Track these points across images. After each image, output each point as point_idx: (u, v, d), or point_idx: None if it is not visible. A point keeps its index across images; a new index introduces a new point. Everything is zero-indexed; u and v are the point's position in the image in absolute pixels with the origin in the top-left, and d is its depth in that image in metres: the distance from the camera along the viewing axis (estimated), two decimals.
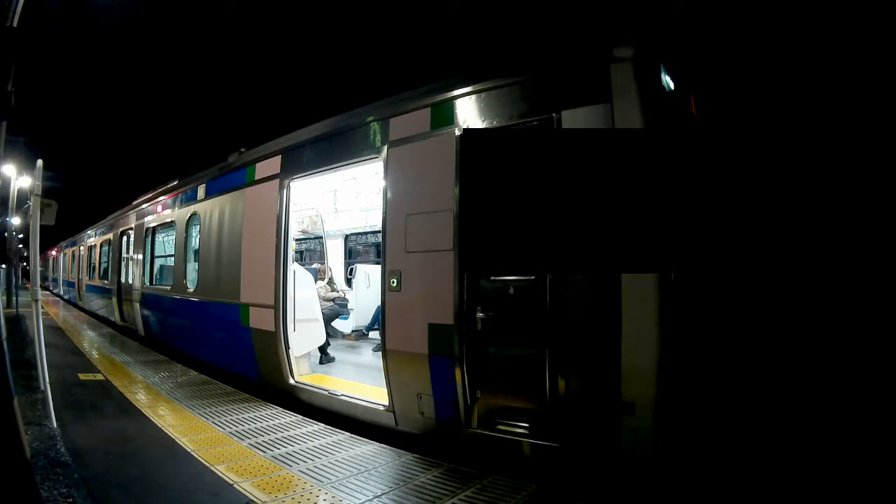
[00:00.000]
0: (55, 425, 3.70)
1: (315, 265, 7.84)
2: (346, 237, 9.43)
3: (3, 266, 17.29)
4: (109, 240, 12.19)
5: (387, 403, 3.90)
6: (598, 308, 2.87)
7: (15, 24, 2.57)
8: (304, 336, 5.24)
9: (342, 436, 3.81)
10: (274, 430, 3.91)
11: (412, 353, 3.66)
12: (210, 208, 6.61)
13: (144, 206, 9.52)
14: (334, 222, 8.85)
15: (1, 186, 11.65)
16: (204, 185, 6.97)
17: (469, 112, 3.54)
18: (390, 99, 4.24)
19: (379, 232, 5.09)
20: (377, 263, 6.94)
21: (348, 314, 7.77)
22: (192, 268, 7.29)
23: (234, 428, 3.94)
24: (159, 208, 8.70)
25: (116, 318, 10.94)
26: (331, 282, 7.34)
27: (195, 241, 7.30)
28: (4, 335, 1.89)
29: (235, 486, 2.83)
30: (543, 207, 2.36)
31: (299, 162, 5.01)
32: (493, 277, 3.31)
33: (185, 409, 4.48)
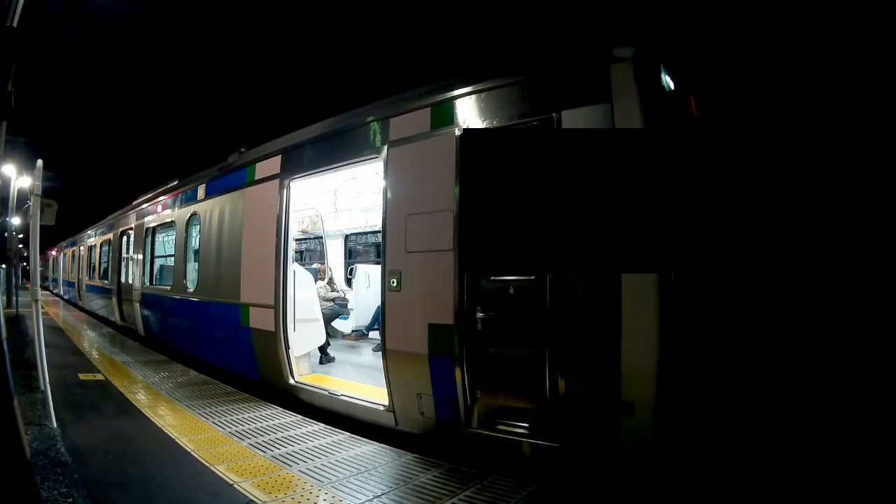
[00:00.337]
0: (55, 425, 3.70)
1: (315, 265, 7.84)
2: (346, 237, 9.43)
3: (3, 266, 17.29)
4: (109, 240, 12.19)
5: (387, 403, 3.90)
6: (598, 308, 2.87)
7: (15, 24, 2.57)
8: (304, 336, 5.24)
9: (342, 436, 3.81)
10: (274, 430, 3.91)
11: (412, 353, 3.66)
12: (210, 208, 6.61)
13: (144, 206, 9.52)
14: (334, 222, 8.85)
15: (1, 186, 11.65)
16: (204, 185, 6.97)
17: (469, 112, 3.54)
18: (390, 99, 4.24)
19: (379, 232, 5.09)
20: (377, 263, 6.94)
21: (348, 314, 7.76)
22: (192, 268, 7.29)
23: (234, 428, 3.94)
24: (159, 208, 8.70)
25: (116, 318, 10.94)
26: (331, 282, 7.34)
27: (195, 241, 7.30)
28: (4, 335, 1.90)
29: (235, 486, 2.83)
30: (543, 207, 2.36)
31: (299, 162, 5.01)
32: (493, 277, 3.31)
33: (185, 409, 4.48)
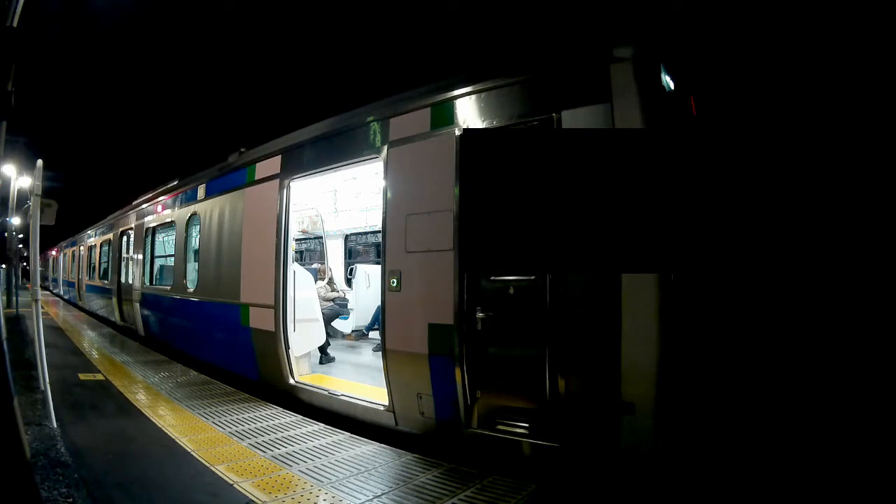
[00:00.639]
0: (55, 425, 3.70)
1: (315, 265, 7.84)
2: (346, 237, 9.43)
3: (3, 266, 17.29)
4: (109, 240, 12.19)
5: (387, 403, 3.90)
6: (598, 308, 2.87)
7: (15, 24, 2.56)
8: (304, 336, 5.24)
9: (342, 436, 3.81)
10: (274, 430, 3.91)
11: (412, 353, 3.66)
12: (210, 208, 6.61)
13: (144, 206, 9.52)
14: (334, 222, 8.85)
15: (1, 186, 11.65)
16: (204, 185, 6.97)
17: (469, 112, 3.54)
18: (390, 99, 4.24)
19: (379, 232, 5.09)
20: (377, 263, 6.94)
21: (348, 314, 7.76)
22: (192, 268, 7.29)
23: (234, 428, 3.94)
24: (159, 208, 8.70)
25: (116, 318, 10.94)
26: (331, 282, 7.34)
27: (195, 241, 7.30)
28: (4, 335, 1.90)
29: (235, 486, 2.83)
30: (543, 207, 2.36)
31: (299, 162, 5.01)
32: (493, 277, 3.31)
33: (185, 409, 4.48)
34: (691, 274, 2.76)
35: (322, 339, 5.83)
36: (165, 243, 9.00)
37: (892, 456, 2.55)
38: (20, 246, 21.06)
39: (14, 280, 15.51)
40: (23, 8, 2.58)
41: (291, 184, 5.08)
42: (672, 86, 2.95)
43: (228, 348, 6.00)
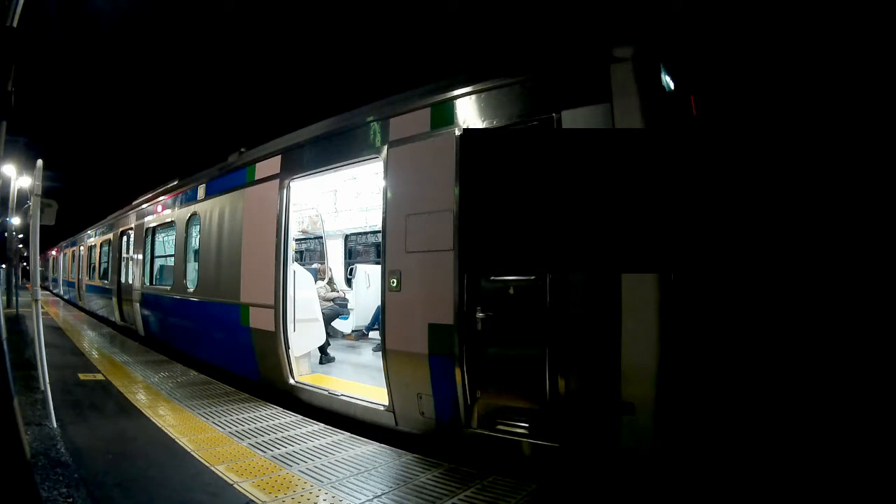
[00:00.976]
0: (55, 425, 3.70)
1: (315, 265, 7.84)
2: (346, 237, 9.43)
3: (3, 266, 17.29)
4: (109, 240, 12.19)
5: (387, 403, 3.89)
6: (598, 308, 2.87)
7: (15, 24, 2.56)
8: (304, 336, 5.24)
9: (342, 436, 3.81)
10: (274, 430, 3.91)
11: (412, 353, 3.66)
12: (210, 208, 6.61)
13: (144, 206, 9.52)
14: (334, 222, 8.85)
15: (1, 186, 11.65)
16: (204, 185, 6.97)
17: (469, 112, 3.54)
18: (390, 99, 4.24)
19: (379, 232, 5.09)
20: (377, 263, 6.94)
21: (348, 314, 7.76)
22: (192, 268, 7.29)
23: (234, 428, 3.94)
24: (159, 208, 8.70)
25: (116, 318, 10.94)
26: (331, 282, 7.34)
27: (195, 241, 7.29)
28: (4, 335, 1.90)
29: (235, 485, 2.83)
30: (543, 207, 2.36)
31: (299, 162, 5.01)
32: (493, 277, 3.31)
33: (185, 409, 4.48)
34: (691, 274, 2.76)
35: (322, 339, 5.83)
36: (165, 243, 9.00)
37: (892, 456, 2.55)
38: (20, 246, 21.06)
39: (14, 280, 15.51)
40: (23, 8, 2.58)
41: (291, 184, 5.08)
42: (672, 86, 2.95)
43: (228, 348, 6.00)
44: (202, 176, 7.18)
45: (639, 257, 2.31)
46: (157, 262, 9.04)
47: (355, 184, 7.40)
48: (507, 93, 3.36)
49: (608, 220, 2.30)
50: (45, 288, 25.83)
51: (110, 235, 12.08)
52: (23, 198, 10.95)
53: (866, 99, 3.36)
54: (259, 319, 5.25)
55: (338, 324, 7.72)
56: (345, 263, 9.25)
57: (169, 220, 8.16)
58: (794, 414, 2.80)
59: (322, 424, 4.09)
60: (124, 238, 10.78)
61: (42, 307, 4.26)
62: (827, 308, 2.99)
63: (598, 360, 2.85)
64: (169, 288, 7.87)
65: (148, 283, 8.99)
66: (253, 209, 5.63)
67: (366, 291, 7.83)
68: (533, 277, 3.14)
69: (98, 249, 13.68)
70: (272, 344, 5.01)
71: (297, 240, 9.24)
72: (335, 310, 7.09)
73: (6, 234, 16.48)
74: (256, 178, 5.62)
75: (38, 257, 4.31)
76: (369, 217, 8.42)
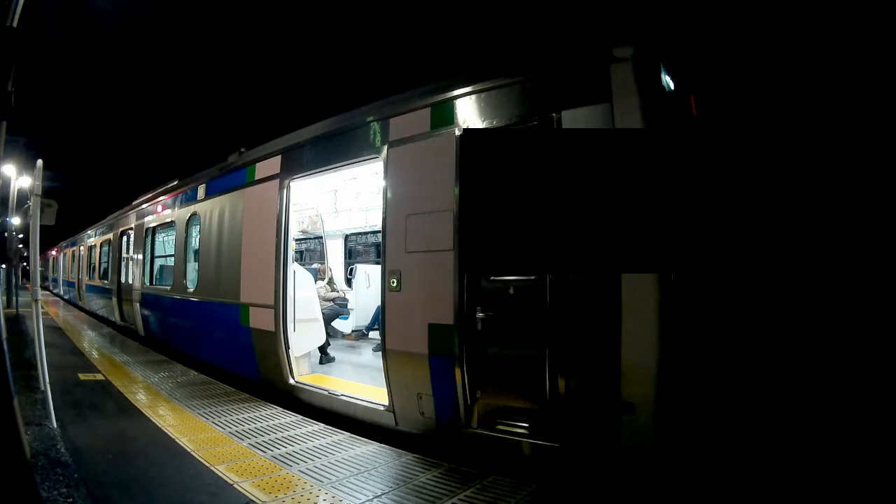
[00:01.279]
0: (55, 425, 3.70)
1: (315, 265, 7.84)
2: (346, 237, 9.43)
3: (3, 266, 17.29)
4: (109, 240, 12.19)
5: (387, 403, 3.89)
6: (598, 308, 2.87)
7: (15, 24, 2.56)
8: (304, 336, 5.24)
9: (342, 436, 3.81)
10: (274, 430, 3.91)
11: (412, 353, 3.66)
12: (210, 208, 6.61)
13: (144, 206, 9.52)
14: (334, 222, 8.85)
15: (1, 186, 11.65)
16: (204, 185, 6.97)
17: (469, 112, 3.54)
18: (390, 99, 4.24)
19: (379, 232, 5.09)
20: (377, 263, 6.94)
21: (348, 314, 7.76)
22: (191, 268, 7.29)
23: (234, 428, 3.94)
24: (159, 208, 8.70)
25: (116, 318, 10.94)
26: (331, 282, 7.34)
27: (195, 241, 7.29)
28: (4, 335, 1.90)
29: (235, 485, 2.83)
30: (543, 207, 2.36)
31: (299, 162, 5.01)
32: (493, 277, 3.31)
33: (185, 409, 4.48)
34: (691, 274, 2.76)
35: (322, 339, 5.83)
36: (165, 243, 9.00)
37: (892, 456, 2.55)
38: (20, 246, 21.05)
39: (14, 280, 15.51)
40: (23, 8, 2.58)
41: (291, 184, 5.08)
42: (672, 86, 2.95)
43: (228, 348, 6.00)
44: (202, 176, 7.18)
45: (639, 257, 2.31)
46: (157, 262, 9.04)
47: (355, 184, 7.40)
48: (507, 93, 3.36)
49: (608, 221, 2.30)
50: (45, 288, 25.82)
51: (110, 235, 12.08)
52: (23, 198, 10.95)
53: (866, 99, 3.36)
54: (259, 319, 5.25)
55: (338, 324, 7.72)
56: (345, 263, 9.25)
57: (169, 220, 8.16)
58: (793, 414, 2.80)
59: (322, 424, 4.09)
60: (124, 238, 10.78)
61: (42, 307, 4.26)
62: (827, 308, 2.99)
63: (598, 360, 2.85)
64: (169, 288, 7.87)
65: (148, 283, 8.99)
66: (253, 209, 5.63)
67: (366, 291, 7.83)
68: (533, 277, 3.14)
69: (98, 249, 13.68)
70: (272, 344, 5.01)
71: (297, 240, 9.24)
72: (335, 310, 7.09)
73: (6, 234, 16.48)
74: (256, 178, 5.62)
75: (38, 257, 4.31)
76: (369, 217, 8.42)
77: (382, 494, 2.77)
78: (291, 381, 4.94)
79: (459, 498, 2.72)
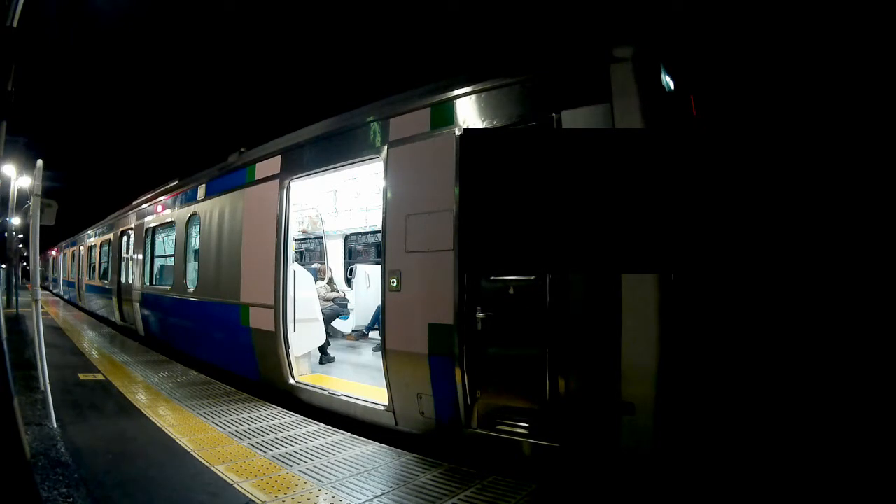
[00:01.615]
0: (55, 425, 3.70)
1: (315, 265, 7.84)
2: (346, 237, 9.43)
3: (3, 266, 17.29)
4: (109, 240, 12.20)
5: (387, 403, 3.89)
6: (598, 308, 2.87)
7: (15, 24, 2.56)
8: (304, 336, 5.24)
9: (342, 436, 3.81)
10: (274, 430, 3.91)
11: (412, 353, 3.66)
12: (210, 208, 6.61)
13: (144, 206, 9.52)
14: (334, 222, 8.85)
15: (1, 186, 11.65)
16: (204, 185, 6.97)
17: (469, 112, 3.54)
18: (390, 99, 4.24)
19: (379, 232, 5.09)
20: (377, 263, 6.94)
21: (348, 314, 7.76)
22: (191, 268, 7.29)
23: (234, 428, 3.94)
24: (159, 208, 8.70)
25: (116, 318, 10.95)
26: (331, 282, 7.34)
27: (195, 241, 7.29)
28: (4, 335, 1.90)
29: (235, 485, 2.83)
30: (543, 207, 2.36)
31: (299, 162, 5.01)
32: (493, 277, 3.31)
33: (185, 409, 4.48)
34: (691, 274, 2.76)
35: (322, 339, 5.83)
36: (165, 243, 9.00)
37: (892, 456, 2.55)
38: (20, 246, 21.05)
39: (14, 280, 15.51)
40: (23, 8, 2.58)
41: (291, 184, 5.08)
42: (672, 86, 2.95)
43: (228, 348, 6.00)
44: (202, 176, 7.18)
45: (639, 257, 2.31)
46: (157, 262, 9.04)
47: (355, 184, 7.40)
48: (507, 93, 3.36)
49: (608, 221, 2.30)
50: (45, 288, 25.82)
51: (110, 235, 12.08)
52: (23, 198, 10.95)
53: (866, 98, 3.36)
54: (259, 319, 5.25)
55: (338, 324, 7.72)
56: (345, 263, 9.25)
57: (169, 220, 8.16)
58: (793, 414, 2.80)
59: (322, 424, 4.09)
60: (124, 238, 10.78)
61: (42, 307, 4.26)
62: (827, 308, 2.99)
63: (598, 360, 2.85)
64: (169, 288, 7.87)
65: (148, 283, 8.99)
66: (253, 209, 5.64)
67: (366, 291, 7.83)
68: (533, 277, 3.14)
69: (98, 249, 13.68)
70: (272, 344, 5.01)
71: (297, 240, 9.24)
72: (335, 310, 7.09)
73: (6, 234, 16.48)
74: (256, 178, 5.62)
75: (38, 257, 4.31)
76: (369, 217, 8.42)
77: (382, 494, 2.77)
78: (291, 381, 4.94)
79: (459, 498, 2.72)
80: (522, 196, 2.38)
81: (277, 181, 5.19)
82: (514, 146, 2.51)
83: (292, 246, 5.35)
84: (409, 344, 3.69)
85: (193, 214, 7.19)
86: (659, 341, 2.68)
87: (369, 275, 7.89)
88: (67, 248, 20.23)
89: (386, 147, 4.02)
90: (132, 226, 10.10)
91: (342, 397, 4.39)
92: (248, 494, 2.72)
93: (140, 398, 4.80)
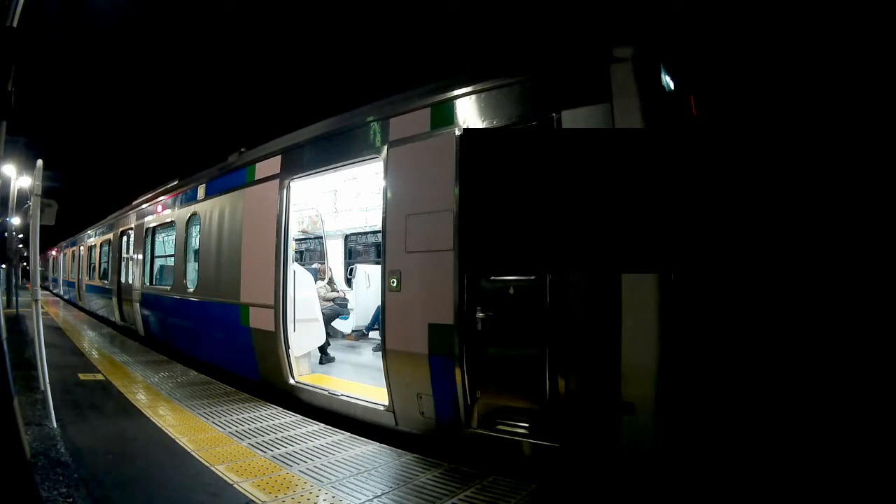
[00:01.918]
0: (55, 425, 3.70)
1: (315, 265, 7.84)
2: (346, 237, 9.43)
3: (3, 266, 17.29)
4: (109, 240, 12.20)
5: (387, 403, 3.89)
6: (598, 308, 2.87)
7: (15, 24, 2.56)
8: (304, 336, 5.24)
9: (342, 436, 3.81)
10: (274, 430, 3.91)
11: (412, 353, 3.66)
12: (210, 208, 6.61)
13: (144, 206, 9.52)
14: (334, 222, 8.85)
15: (1, 186, 11.65)
16: (204, 185, 6.97)
17: (469, 112, 3.54)
18: (390, 99, 4.24)
19: (379, 232, 5.09)
20: (377, 263, 6.94)
21: (348, 314, 7.76)
22: (191, 268, 7.29)
23: (235, 428, 3.94)
24: (159, 208, 8.70)
25: (116, 318, 10.95)
26: (331, 282, 7.34)
27: (195, 241, 7.30)
28: (4, 335, 1.90)
29: (235, 485, 2.83)
30: (544, 207, 2.36)
31: (299, 162, 5.01)
32: (493, 277, 3.31)
33: (185, 409, 4.48)
34: (691, 274, 2.76)
35: (322, 339, 5.83)
36: (165, 243, 9.00)
37: (892, 456, 2.55)
38: (20, 246, 21.05)
39: (14, 280, 15.51)
40: (23, 8, 2.58)
41: (291, 184, 5.08)
42: (672, 86, 2.95)
43: (228, 348, 6.00)
44: (202, 176, 7.18)
45: (639, 257, 2.31)
46: (157, 262, 9.04)
47: (355, 184, 7.40)
48: (507, 93, 3.36)
49: (608, 221, 2.30)
50: (45, 288, 25.82)
51: (110, 235, 12.08)
52: (23, 198, 10.95)
53: (866, 98, 3.36)
54: (259, 319, 5.25)
55: (338, 324, 7.72)
56: (345, 263, 9.25)
57: (169, 220, 8.16)
58: (793, 414, 2.80)
59: (322, 424, 4.09)
60: (124, 238, 10.78)
61: (42, 307, 4.26)
62: (827, 308, 2.99)
63: (598, 360, 2.85)
64: (169, 288, 7.87)
65: (148, 283, 8.99)
66: (253, 209, 5.64)
67: (366, 291, 7.83)
68: (533, 277, 3.14)
69: (98, 249, 13.69)
70: (272, 344, 5.01)
71: (297, 240, 9.24)
72: (335, 310, 7.09)
73: (6, 234, 16.48)
74: (256, 178, 5.62)
75: (38, 257, 4.32)
76: (369, 217, 8.42)
77: (382, 494, 2.77)
78: (291, 381, 4.94)
79: (459, 498, 2.72)
80: (522, 196, 2.38)
81: (277, 181, 5.19)
82: (514, 146, 2.51)
83: (292, 246, 5.35)
84: (409, 344, 3.69)
85: (193, 214, 7.19)
86: (659, 341, 2.68)
87: (369, 275, 7.89)
88: (67, 248, 20.24)
89: (386, 147, 4.02)
90: (132, 226, 10.10)
91: (342, 397, 4.39)
92: (248, 494, 2.72)
93: (140, 398, 4.80)
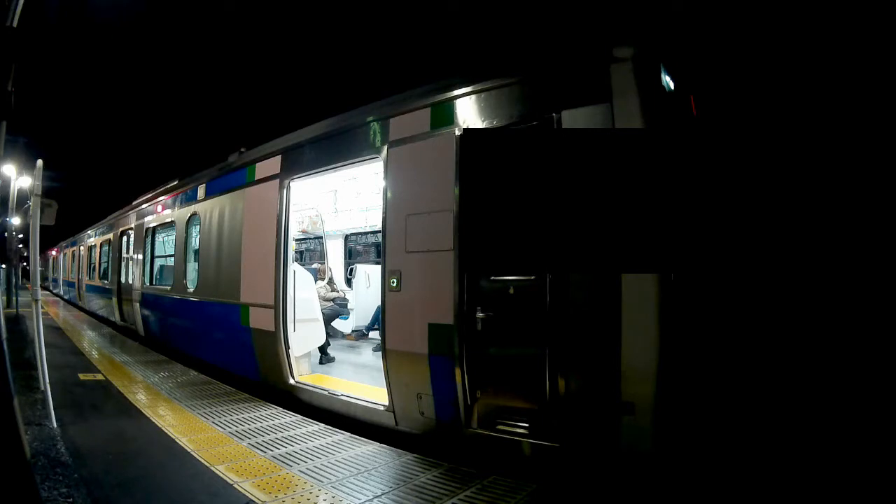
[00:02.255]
0: (55, 425, 3.70)
1: (315, 265, 7.84)
2: (346, 237, 9.43)
3: (3, 266, 17.29)
4: (109, 240, 12.20)
5: (387, 403, 3.90)
6: (598, 308, 2.87)
7: (15, 24, 2.56)
8: (304, 336, 5.24)
9: (342, 436, 3.81)
10: (274, 430, 3.91)
11: (412, 353, 3.66)
12: (210, 208, 6.61)
13: (144, 206, 9.52)
14: (334, 222, 8.85)
15: (1, 186, 11.65)
16: (204, 185, 6.97)
17: (469, 112, 3.54)
18: (390, 99, 4.24)
19: (379, 232, 5.09)
20: (377, 263, 6.94)
21: (348, 314, 7.77)
22: (191, 268, 7.29)
23: (234, 428, 3.94)
24: (159, 208, 8.70)
25: (116, 318, 10.95)
26: (331, 282, 7.34)
27: (195, 241, 7.30)
28: (4, 335, 1.89)
29: (235, 485, 2.83)
30: (543, 207, 2.36)
31: (299, 162, 5.01)
32: (493, 277, 3.31)
33: (185, 408, 4.48)
34: (691, 274, 2.76)
35: (322, 339, 5.84)
36: (165, 243, 9.01)
37: (892, 456, 2.55)
38: (20, 246, 21.04)
39: (14, 280, 15.51)
40: (23, 8, 2.58)
41: (291, 184, 5.08)
42: (672, 86, 2.95)
43: (228, 348, 6.00)
44: (202, 176, 7.18)
45: (639, 257, 2.31)
46: (157, 262, 9.04)
47: (355, 184, 7.40)
48: (507, 93, 3.36)
49: (608, 221, 2.30)
50: (45, 288, 25.82)
51: (110, 235, 12.09)
52: (23, 198, 10.94)
53: (866, 98, 3.36)
54: (259, 319, 5.25)
55: (338, 324, 7.72)
56: (345, 263, 9.26)
57: (169, 220, 8.17)
58: (793, 414, 2.80)
59: (322, 424, 4.09)
60: (124, 238, 10.78)
61: (42, 307, 4.26)
62: (827, 308, 2.99)
63: (598, 360, 2.85)
64: (169, 288, 7.87)
65: (148, 283, 8.99)
66: (253, 209, 5.64)
67: (366, 291, 7.83)
68: (533, 277, 3.14)
69: (98, 249, 13.69)
70: (272, 344, 5.01)
71: (297, 240, 9.25)
72: (335, 310, 7.09)
73: (6, 234, 16.46)
74: (256, 178, 5.62)
75: (38, 257, 4.32)
76: (369, 217, 8.42)
77: (382, 494, 2.77)
78: (291, 381, 4.94)
79: (459, 498, 2.72)
80: (522, 196, 2.38)
81: (277, 181, 5.19)
82: (514, 146, 2.51)
83: (292, 246, 5.35)
84: (409, 344, 3.69)
85: (193, 214, 7.19)
86: (659, 341, 2.68)
87: (369, 275, 7.90)
88: (67, 248, 20.24)
89: (386, 147, 4.02)
90: (132, 226, 10.10)
91: (342, 397, 4.39)
92: (248, 494, 2.72)
93: (140, 398, 4.80)
